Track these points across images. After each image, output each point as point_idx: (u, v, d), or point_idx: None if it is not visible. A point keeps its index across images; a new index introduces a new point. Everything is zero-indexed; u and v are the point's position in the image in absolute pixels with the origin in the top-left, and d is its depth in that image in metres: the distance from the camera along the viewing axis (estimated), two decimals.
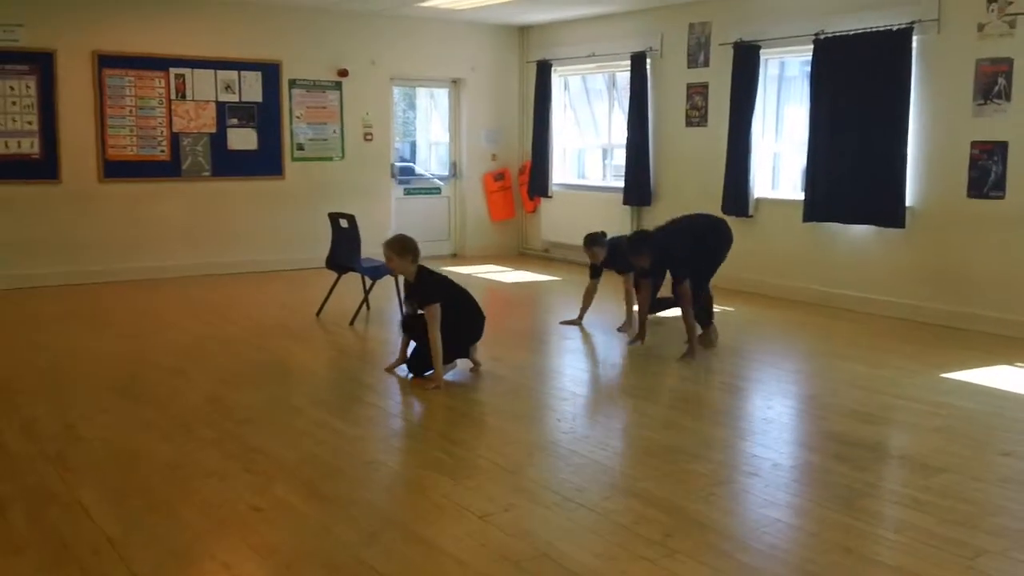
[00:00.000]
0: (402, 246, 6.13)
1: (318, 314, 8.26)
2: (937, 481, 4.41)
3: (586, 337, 7.67)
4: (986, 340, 7.46)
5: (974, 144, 7.74)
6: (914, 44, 8.03)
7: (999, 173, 7.60)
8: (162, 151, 10.37)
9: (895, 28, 8.08)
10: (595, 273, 7.96)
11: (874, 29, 8.25)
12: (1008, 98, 7.50)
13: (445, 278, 6.29)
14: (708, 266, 7.12)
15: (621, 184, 11.04)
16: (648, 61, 10.60)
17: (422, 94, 13.48)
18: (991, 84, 7.59)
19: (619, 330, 7.74)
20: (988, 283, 7.74)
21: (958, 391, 6.03)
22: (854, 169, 8.44)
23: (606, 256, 7.78)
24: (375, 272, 8.14)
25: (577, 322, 8.00)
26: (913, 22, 7.99)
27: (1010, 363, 6.73)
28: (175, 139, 10.42)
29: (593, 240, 7.81)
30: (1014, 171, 7.51)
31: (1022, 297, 7.52)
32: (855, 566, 3.55)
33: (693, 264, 6.80)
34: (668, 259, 6.75)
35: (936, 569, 3.49)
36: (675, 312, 7.97)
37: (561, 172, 12.26)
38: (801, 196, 9.03)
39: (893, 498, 4.29)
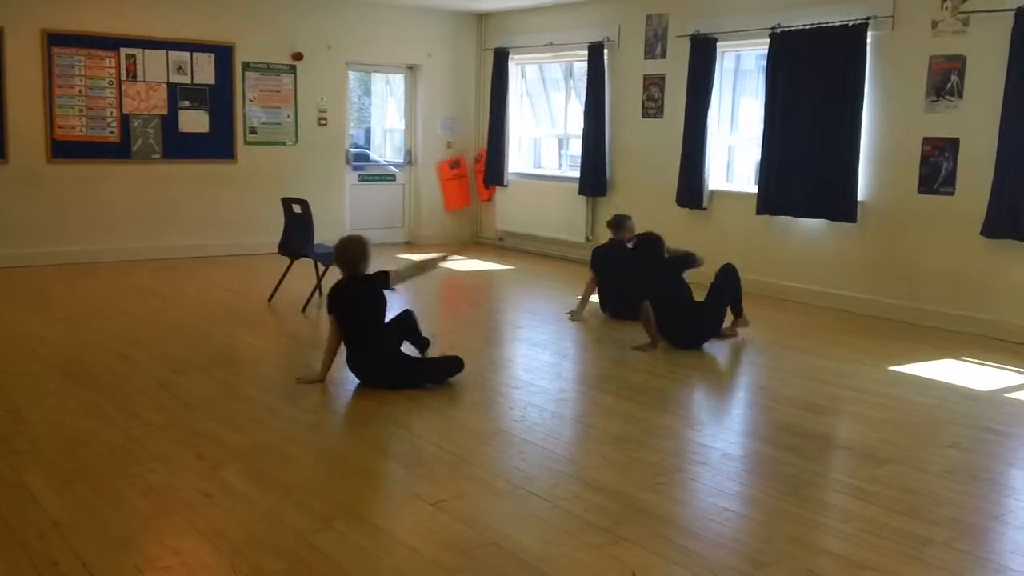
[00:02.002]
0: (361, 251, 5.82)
1: (270, 300, 8.19)
2: (884, 472, 4.47)
3: (539, 326, 7.68)
4: (934, 334, 7.58)
5: (926, 140, 7.85)
6: (869, 40, 8.11)
7: (950, 169, 7.71)
8: (112, 132, 10.19)
9: (850, 24, 8.16)
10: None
11: (830, 24, 8.32)
12: (960, 95, 7.61)
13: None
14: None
15: (577, 174, 11.05)
16: (605, 51, 10.61)
17: (378, 80, 13.40)
18: (944, 81, 7.70)
19: (571, 318, 7.80)
20: (937, 278, 7.86)
21: (906, 383, 6.12)
22: (808, 163, 8.51)
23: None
24: (328, 258, 8.06)
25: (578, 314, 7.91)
26: (868, 18, 8.07)
27: (956, 357, 6.85)
28: (125, 120, 10.24)
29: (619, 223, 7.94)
30: (964, 168, 7.62)
31: (970, 292, 7.66)
32: (802, 555, 3.59)
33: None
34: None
35: (881, 558, 3.55)
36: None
37: (517, 161, 12.24)
38: (755, 189, 9.10)
39: (840, 488, 4.34)
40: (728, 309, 7.14)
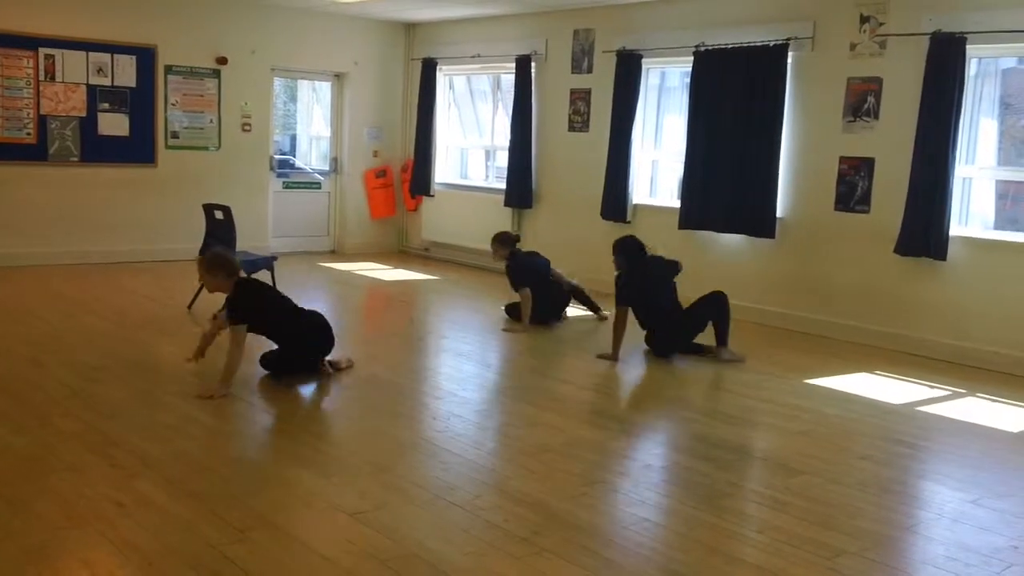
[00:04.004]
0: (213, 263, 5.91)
1: (190, 307, 8.04)
2: (798, 483, 4.56)
3: (464, 337, 7.67)
4: (848, 348, 7.76)
5: (843, 160, 8.05)
6: (789, 60, 8.29)
7: (865, 188, 7.92)
8: (28, 134, 9.92)
9: (772, 44, 8.34)
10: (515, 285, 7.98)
11: (752, 44, 8.49)
12: (876, 116, 7.83)
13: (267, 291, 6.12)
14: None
15: (503, 186, 11.08)
16: (533, 65, 10.68)
17: (304, 87, 13.28)
18: (861, 102, 7.91)
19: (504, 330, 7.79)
20: (852, 293, 8.06)
21: (820, 396, 6.25)
22: (728, 180, 8.66)
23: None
24: (251, 266, 7.97)
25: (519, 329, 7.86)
26: (789, 39, 8.26)
27: (870, 370, 7.02)
28: (43, 122, 9.98)
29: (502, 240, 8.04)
30: (879, 187, 7.83)
31: (883, 308, 7.86)
32: (719, 565, 3.64)
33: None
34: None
35: (796, 568, 3.61)
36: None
37: (444, 171, 12.24)
38: (677, 204, 9.22)
39: (756, 499, 4.42)
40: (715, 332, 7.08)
